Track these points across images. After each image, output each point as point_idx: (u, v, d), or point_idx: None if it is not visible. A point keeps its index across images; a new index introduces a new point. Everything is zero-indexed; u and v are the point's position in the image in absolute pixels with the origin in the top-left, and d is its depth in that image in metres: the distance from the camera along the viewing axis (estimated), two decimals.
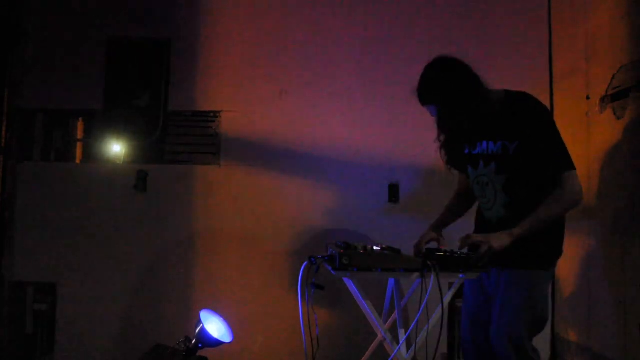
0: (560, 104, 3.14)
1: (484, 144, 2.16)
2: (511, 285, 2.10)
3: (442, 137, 2.21)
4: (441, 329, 2.01)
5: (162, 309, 3.23)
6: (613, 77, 2.58)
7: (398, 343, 2.09)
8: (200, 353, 2.57)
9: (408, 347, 2.12)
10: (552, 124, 2.11)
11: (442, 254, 2.03)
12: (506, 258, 2.03)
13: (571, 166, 2.04)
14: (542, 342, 2.88)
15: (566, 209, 2.08)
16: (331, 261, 2.05)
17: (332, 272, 2.03)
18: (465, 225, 2.38)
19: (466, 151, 2.25)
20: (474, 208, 2.42)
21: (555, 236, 2.14)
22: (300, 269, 2.12)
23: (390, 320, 2.31)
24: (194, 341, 2.54)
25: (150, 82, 3.34)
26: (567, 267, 2.93)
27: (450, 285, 2.08)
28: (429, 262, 1.97)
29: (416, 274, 2.01)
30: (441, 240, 2.30)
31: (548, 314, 2.18)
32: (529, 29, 3.25)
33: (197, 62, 3.35)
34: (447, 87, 2.05)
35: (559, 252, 2.17)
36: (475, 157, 2.21)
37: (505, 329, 2.07)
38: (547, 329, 3.06)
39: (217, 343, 2.55)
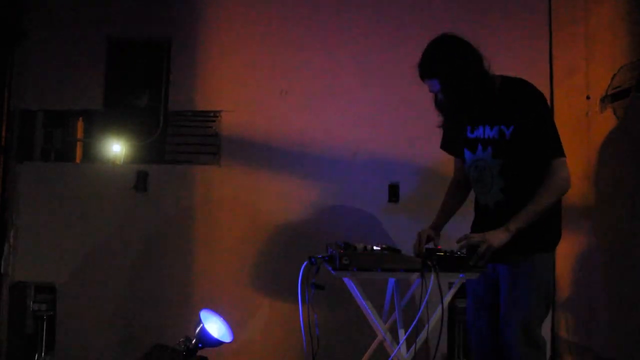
0: (560, 104, 3.14)
1: (481, 128, 2.16)
2: (515, 271, 2.10)
3: (441, 117, 2.21)
4: (441, 329, 2.01)
5: (162, 309, 3.23)
6: (613, 77, 2.58)
7: (398, 343, 2.09)
8: (200, 353, 2.57)
9: (408, 347, 2.12)
10: (548, 110, 2.13)
11: (442, 254, 2.03)
12: (508, 248, 2.03)
13: (561, 153, 2.05)
14: None
15: (556, 197, 2.08)
16: (331, 261, 2.05)
17: (332, 272, 2.03)
18: (465, 225, 2.38)
19: (464, 135, 2.25)
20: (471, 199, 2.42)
21: (553, 220, 2.14)
22: (300, 269, 2.12)
23: (390, 320, 2.31)
24: (194, 341, 2.54)
25: (150, 82, 3.35)
26: (567, 267, 2.93)
27: (450, 285, 2.08)
28: (429, 262, 1.97)
29: (416, 274, 2.01)
30: (437, 240, 2.31)
31: (552, 296, 2.17)
32: (529, 29, 3.25)
33: (197, 62, 3.34)
34: (451, 59, 2.04)
35: (558, 235, 2.17)
36: (473, 141, 2.21)
37: (514, 314, 2.07)
38: (547, 329, 3.07)
39: (217, 343, 2.55)
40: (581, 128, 2.85)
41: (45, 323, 3.23)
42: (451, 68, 2.04)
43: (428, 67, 2.08)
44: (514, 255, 2.08)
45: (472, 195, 2.41)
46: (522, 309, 2.07)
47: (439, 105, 2.17)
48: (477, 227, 2.27)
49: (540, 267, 2.11)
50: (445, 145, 2.40)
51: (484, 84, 2.08)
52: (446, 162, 2.50)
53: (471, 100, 2.10)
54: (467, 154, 2.25)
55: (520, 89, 2.11)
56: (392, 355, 2.02)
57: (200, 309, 2.62)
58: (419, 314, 1.94)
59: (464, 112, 2.17)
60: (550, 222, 2.13)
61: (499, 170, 2.14)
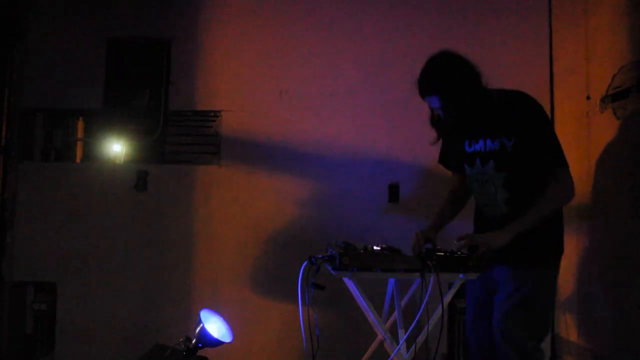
0: (560, 104, 3.14)
1: (481, 142, 2.17)
2: (511, 283, 2.10)
3: (435, 134, 2.22)
4: (441, 329, 2.00)
5: (162, 309, 3.23)
6: (613, 77, 2.58)
7: (398, 343, 2.09)
8: (200, 353, 2.56)
9: (408, 347, 2.12)
10: (548, 121, 2.14)
11: (442, 254, 2.03)
12: (508, 255, 2.03)
13: (564, 163, 2.06)
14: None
15: (560, 205, 2.10)
16: (331, 261, 2.05)
17: (332, 272, 2.03)
18: (465, 226, 2.38)
19: (462, 149, 2.25)
20: (470, 207, 2.42)
21: (555, 234, 2.15)
22: (300, 268, 2.12)
23: (390, 320, 2.31)
24: (194, 341, 2.53)
25: (150, 82, 3.35)
26: (567, 267, 2.92)
27: (450, 285, 2.08)
28: (429, 262, 1.97)
29: (416, 274, 2.01)
30: (434, 241, 2.30)
31: (550, 314, 2.17)
32: (529, 29, 3.25)
33: (197, 62, 3.35)
34: (451, 77, 2.04)
35: (560, 250, 2.17)
36: (472, 155, 2.21)
37: (505, 327, 2.08)
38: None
39: (217, 343, 2.55)
40: (581, 128, 2.84)
41: (45, 323, 3.23)
42: (452, 85, 2.04)
43: (428, 84, 2.07)
44: (514, 264, 2.08)
45: (471, 204, 2.42)
46: (513, 325, 2.07)
47: (436, 122, 2.18)
48: None
49: (537, 283, 2.10)
50: (444, 160, 2.42)
51: (483, 99, 2.08)
52: None
53: (471, 115, 2.10)
54: (467, 167, 2.26)
55: (519, 101, 2.11)
56: (392, 355, 2.03)
57: (200, 309, 2.61)
58: (419, 314, 1.94)
59: (463, 128, 2.18)
60: (553, 236, 2.13)
61: (502, 183, 2.14)
